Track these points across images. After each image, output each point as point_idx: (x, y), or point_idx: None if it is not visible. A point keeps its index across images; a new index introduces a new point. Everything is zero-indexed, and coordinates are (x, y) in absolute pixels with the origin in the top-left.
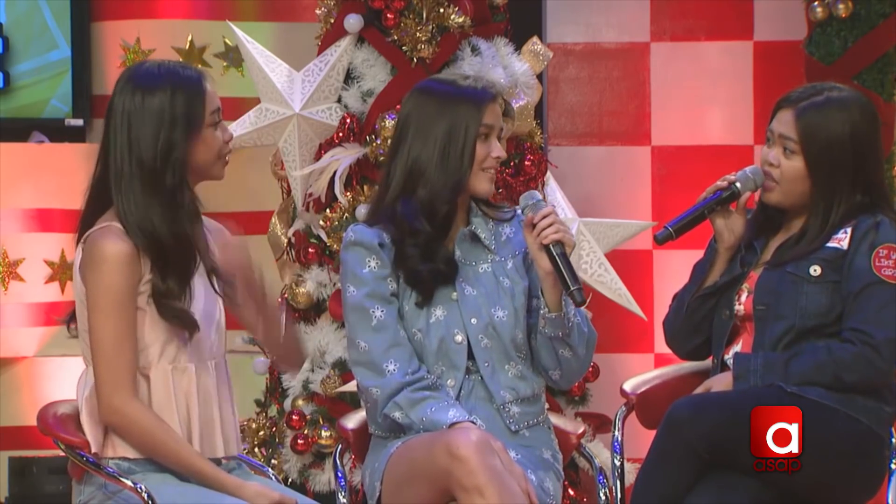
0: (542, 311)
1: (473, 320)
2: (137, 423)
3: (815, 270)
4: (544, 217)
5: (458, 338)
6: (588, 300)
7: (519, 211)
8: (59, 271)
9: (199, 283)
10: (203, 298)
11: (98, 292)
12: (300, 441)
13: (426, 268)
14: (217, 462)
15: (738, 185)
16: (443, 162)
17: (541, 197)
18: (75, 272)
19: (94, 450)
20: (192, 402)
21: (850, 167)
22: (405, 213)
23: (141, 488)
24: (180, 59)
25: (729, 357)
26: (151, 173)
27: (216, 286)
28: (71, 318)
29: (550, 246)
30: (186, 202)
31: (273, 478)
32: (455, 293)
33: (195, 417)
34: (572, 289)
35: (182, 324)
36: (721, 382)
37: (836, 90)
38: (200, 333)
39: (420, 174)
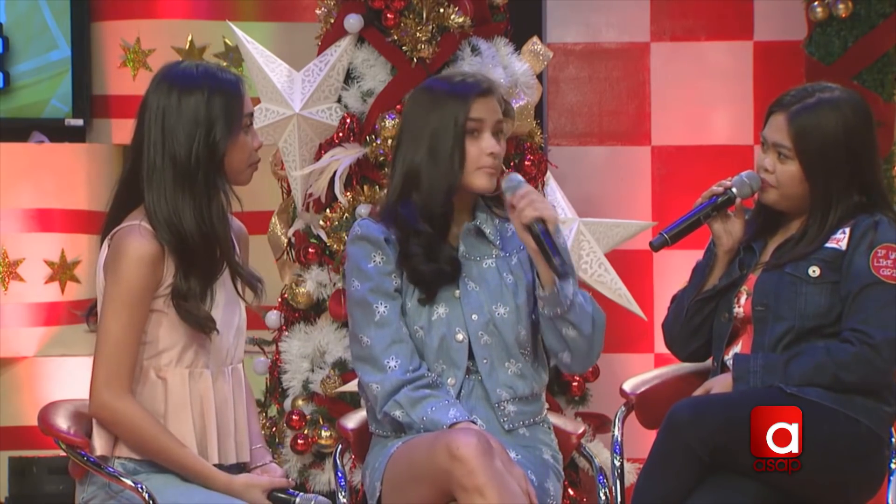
0: (536, 292)
1: (474, 316)
2: (126, 419)
3: (814, 271)
4: (522, 197)
5: (459, 336)
6: (575, 278)
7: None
8: (59, 271)
9: (222, 286)
10: (224, 302)
11: (114, 288)
12: (300, 441)
13: (429, 268)
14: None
15: (734, 190)
16: (433, 164)
17: (521, 178)
18: (99, 268)
19: (100, 450)
20: (207, 407)
21: (846, 167)
22: (405, 216)
23: (142, 488)
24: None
25: (728, 358)
26: (184, 171)
27: (239, 289)
28: (90, 312)
29: (533, 224)
30: (216, 204)
31: None
32: (458, 290)
33: (211, 422)
34: (553, 260)
35: (199, 327)
36: (721, 384)
37: (828, 90)
38: (220, 338)
39: (415, 178)
